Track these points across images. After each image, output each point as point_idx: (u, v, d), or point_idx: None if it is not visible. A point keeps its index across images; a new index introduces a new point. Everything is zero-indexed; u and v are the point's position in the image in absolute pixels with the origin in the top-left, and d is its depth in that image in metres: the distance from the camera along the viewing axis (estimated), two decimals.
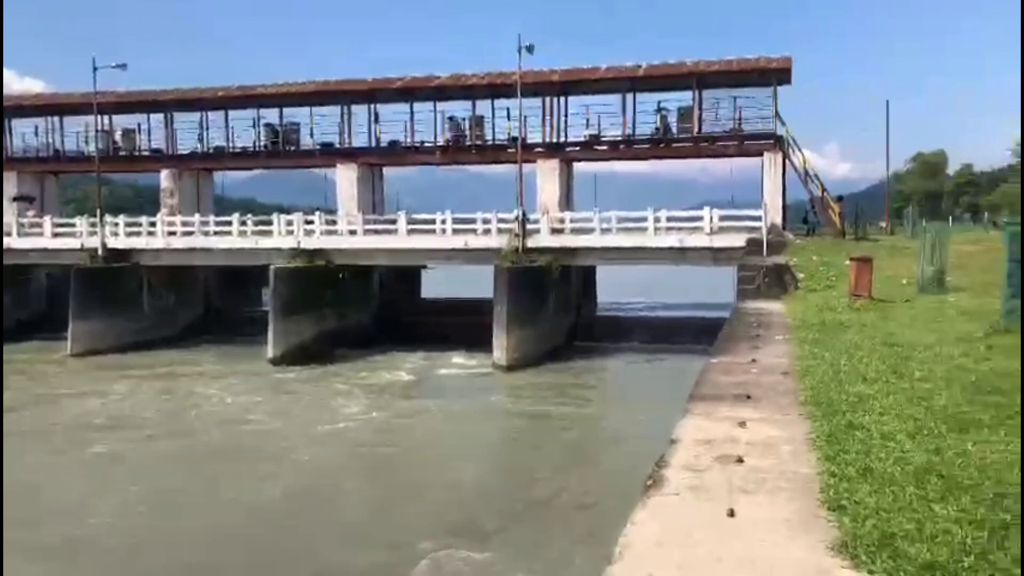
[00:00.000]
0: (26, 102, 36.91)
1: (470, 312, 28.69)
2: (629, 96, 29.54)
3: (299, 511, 12.04)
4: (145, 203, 38.69)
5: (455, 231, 27.42)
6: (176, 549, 10.61)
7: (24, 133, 35.70)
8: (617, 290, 36.34)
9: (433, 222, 28.05)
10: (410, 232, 27.77)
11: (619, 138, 29.81)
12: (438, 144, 31.45)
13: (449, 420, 18.63)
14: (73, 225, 31.33)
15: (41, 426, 17.85)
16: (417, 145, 31.75)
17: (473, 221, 27.62)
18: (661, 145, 29.33)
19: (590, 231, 26.14)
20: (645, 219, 25.57)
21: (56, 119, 35.39)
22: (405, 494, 12.95)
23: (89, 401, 20.59)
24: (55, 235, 31.28)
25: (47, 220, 31.85)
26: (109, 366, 25.72)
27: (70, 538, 11.01)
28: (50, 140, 35.43)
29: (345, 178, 31.77)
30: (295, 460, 14.97)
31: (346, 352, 26.75)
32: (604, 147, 30.37)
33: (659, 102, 29.61)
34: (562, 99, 30.35)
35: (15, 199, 34.64)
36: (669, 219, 25.76)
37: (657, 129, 29.37)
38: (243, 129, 33.67)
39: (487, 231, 27.03)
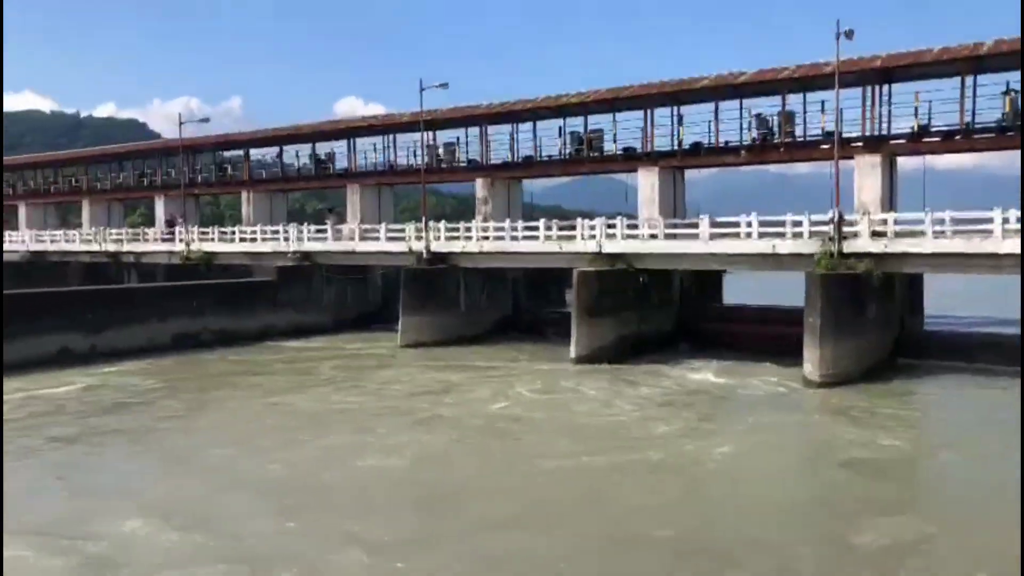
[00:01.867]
0: (364, 124, 41.71)
1: (776, 322, 27.24)
2: (968, 78, 26.07)
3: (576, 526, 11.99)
4: (466, 211, 42.06)
5: (761, 235, 26.10)
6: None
7: (366, 152, 40.59)
8: (948, 302, 32.24)
9: (737, 225, 26.96)
10: (712, 236, 26.94)
11: (955, 127, 26.43)
12: (743, 144, 30.27)
13: (750, 441, 17.16)
14: (403, 231, 34.79)
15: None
16: (721, 146, 30.83)
17: (781, 224, 26.04)
18: (1009, 133, 25.47)
19: (919, 235, 23.44)
20: (990, 220, 22.34)
21: (391, 137, 39.66)
22: (700, 520, 12.27)
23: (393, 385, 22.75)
24: (389, 239, 34.92)
25: (382, 226, 35.68)
26: (428, 358, 28.17)
27: None
28: (385, 156, 39.88)
29: (646, 182, 31.77)
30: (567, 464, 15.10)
31: (646, 356, 26.72)
32: (935, 139, 27.12)
33: (1007, 83, 25.78)
34: (885, 87, 27.61)
35: (328, 210, 39.89)
36: (1020, 220, 22.21)
37: (1004, 115, 25.56)
38: (550, 138, 35.16)
39: (797, 235, 25.36)
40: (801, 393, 21.77)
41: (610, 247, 28.70)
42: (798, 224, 25.39)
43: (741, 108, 30.35)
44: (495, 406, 20.55)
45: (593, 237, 29.25)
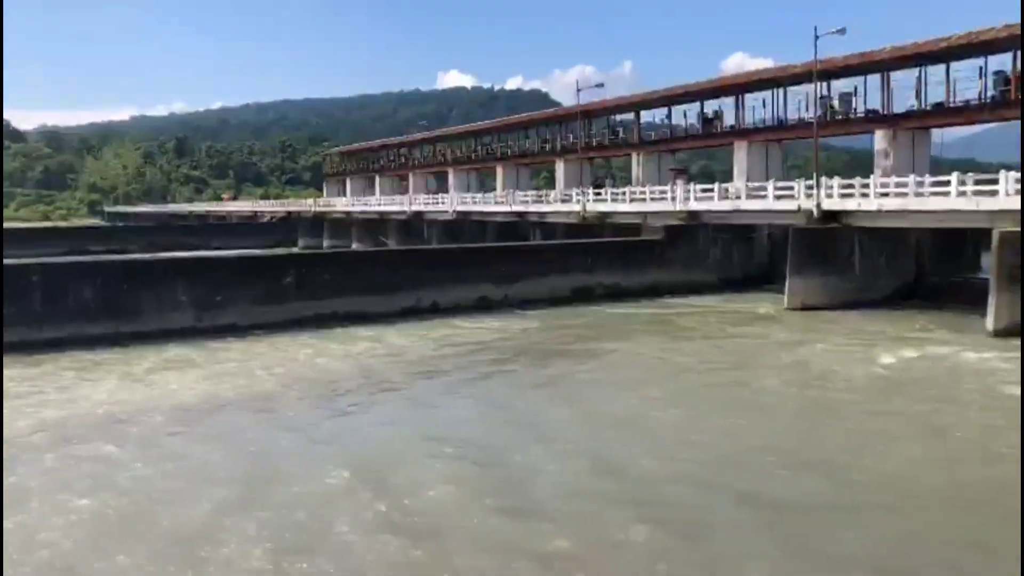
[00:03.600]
0: (751, 78, 40.90)
1: None
2: None
3: None
4: (859, 167, 39.37)
5: None
6: None
7: (753, 107, 39.97)
8: None
9: None
10: None
11: None
12: None
13: None
14: (792, 188, 33.71)
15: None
16: None
17: None
18: None
19: None
20: None
21: (780, 91, 38.45)
22: None
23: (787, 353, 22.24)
24: (777, 197, 34.08)
25: (770, 184, 34.93)
26: (815, 320, 27.25)
27: None
28: (774, 111, 38.88)
29: None
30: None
31: None
32: None
33: None
34: None
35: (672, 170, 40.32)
36: None
37: None
38: (967, 80, 31.22)
39: None
40: None
41: None
42: None
43: None
44: (874, 377, 19.27)
45: (1020, 192, 25.51)
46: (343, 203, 75.32)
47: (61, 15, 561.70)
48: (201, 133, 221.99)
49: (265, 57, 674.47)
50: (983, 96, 30.83)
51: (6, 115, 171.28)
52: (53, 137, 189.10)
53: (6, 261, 24.61)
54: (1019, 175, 25.79)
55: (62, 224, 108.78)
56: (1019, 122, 32.45)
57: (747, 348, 23.15)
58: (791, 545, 9.93)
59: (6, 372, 18.66)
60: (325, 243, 67.56)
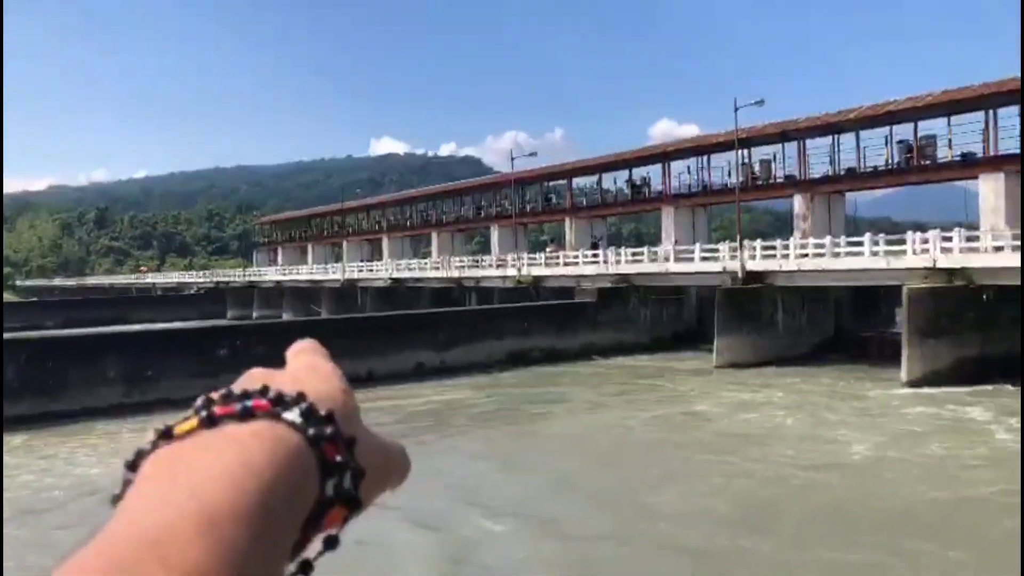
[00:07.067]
0: (677, 146, 42.81)
1: None
2: None
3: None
4: (782, 227, 41.29)
5: None
6: None
7: (680, 173, 41.70)
8: None
9: None
10: None
11: None
12: None
13: None
14: (717, 250, 35.10)
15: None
16: None
17: None
18: None
19: None
20: None
21: (705, 158, 40.31)
22: None
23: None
24: (703, 259, 35.43)
25: (696, 247, 36.35)
26: (744, 378, 28.23)
27: None
28: (699, 177, 40.60)
29: (989, 189, 28.86)
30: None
31: (991, 381, 24.26)
32: None
33: None
34: None
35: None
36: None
37: None
38: (875, 148, 33.40)
39: None
40: None
41: (946, 261, 26.51)
42: None
43: None
44: (797, 429, 20.22)
45: (926, 251, 27.25)
46: (273, 272, 74.50)
47: None
48: (123, 203, 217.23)
49: (191, 126, 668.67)
50: (889, 163, 32.98)
51: None
52: None
53: None
54: (924, 235, 27.62)
55: None
56: (923, 185, 34.83)
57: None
58: None
59: None
60: (255, 313, 66.45)
